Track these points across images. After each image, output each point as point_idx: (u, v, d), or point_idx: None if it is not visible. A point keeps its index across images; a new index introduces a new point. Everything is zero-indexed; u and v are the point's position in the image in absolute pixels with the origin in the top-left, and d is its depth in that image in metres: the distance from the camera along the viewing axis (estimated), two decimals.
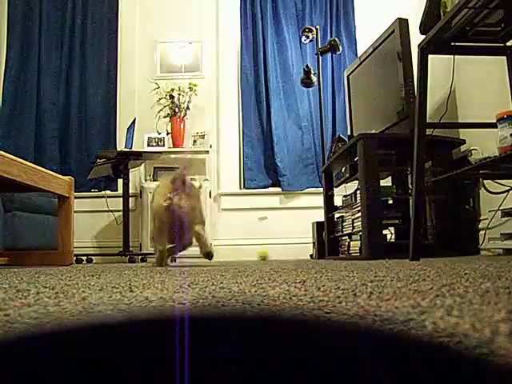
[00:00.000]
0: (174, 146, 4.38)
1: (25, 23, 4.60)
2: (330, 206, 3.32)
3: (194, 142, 4.46)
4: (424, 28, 2.00)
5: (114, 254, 3.82)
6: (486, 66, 2.67)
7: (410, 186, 2.85)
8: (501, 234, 2.57)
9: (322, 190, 3.52)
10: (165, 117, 4.36)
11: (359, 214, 2.65)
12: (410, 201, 2.60)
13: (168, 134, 4.38)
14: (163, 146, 4.37)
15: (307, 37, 3.80)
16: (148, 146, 4.35)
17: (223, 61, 4.65)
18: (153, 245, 2.32)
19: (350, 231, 2.92)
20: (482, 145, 2.56)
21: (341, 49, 3.71)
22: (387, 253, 2.45)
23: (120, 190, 4.05)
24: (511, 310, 0.40)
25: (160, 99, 4.39)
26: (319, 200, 3.67)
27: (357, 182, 2.77)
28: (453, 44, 2.02)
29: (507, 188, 2.50)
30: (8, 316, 0.43)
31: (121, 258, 3.84)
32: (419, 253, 1.98)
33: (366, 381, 0.14)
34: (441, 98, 3.20)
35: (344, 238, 3.13)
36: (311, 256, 3.78)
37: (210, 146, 4.41)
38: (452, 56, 2.41)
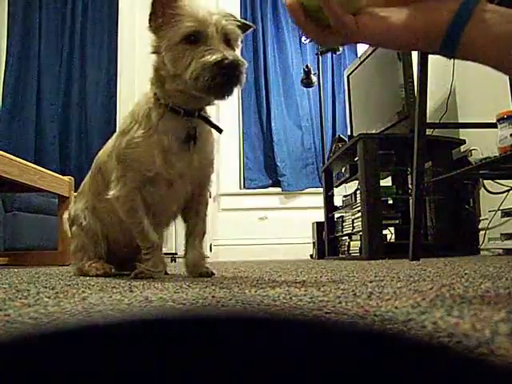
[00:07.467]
0: None
1: (25, 23, 4.60)
2: (329, 206, 3.32)
3: None
4: None
5: None
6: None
7: (410, 185, 2.85)
8: (501, 234, 2.57)
9: (321, 190, 3.51)
10: None
11: (359, 214, 2.65)
12: (410, 201, 2.60)
13: None
14: None
15: (307, 37, 3.80)
16: None
17: None
18: None
19: (349, 231, 2.92)
20: (482, 145, 2.56)
21: (341, 49, 3.70)
22: (387, 253, 2.45)
23: None
24: (511, 310, 0.40)
25: None
26: (319, 200, 3.66)
27: (357, 181, 2.77)
28: None
29: (507, 188, 2.50)
30: (8, 316, 0.43)
31: None
32: (419, 253, 1.98)
33: (365, 381, 0.14)
34: (441, 98, 3.20)
35: (344, 238, 3.13)
36: (311, 256, 3.78)
37: None
38: None
